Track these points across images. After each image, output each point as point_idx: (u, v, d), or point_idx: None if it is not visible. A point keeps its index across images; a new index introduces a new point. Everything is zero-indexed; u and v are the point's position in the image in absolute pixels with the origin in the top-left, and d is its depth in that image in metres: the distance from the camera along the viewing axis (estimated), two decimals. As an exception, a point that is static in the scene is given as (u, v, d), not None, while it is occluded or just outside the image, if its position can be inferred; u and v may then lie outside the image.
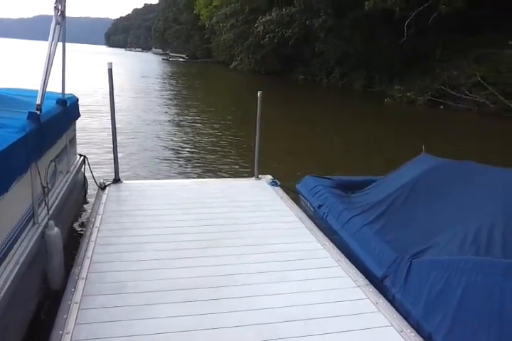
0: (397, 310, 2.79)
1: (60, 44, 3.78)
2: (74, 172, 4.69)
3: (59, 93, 4.37)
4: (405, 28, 22.17)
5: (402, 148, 9.61)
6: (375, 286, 3.05)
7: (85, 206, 5.34)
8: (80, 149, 5.56)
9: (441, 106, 20.60)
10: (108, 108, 4.97)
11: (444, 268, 2.71)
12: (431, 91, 21.61)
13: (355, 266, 3.32)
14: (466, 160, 4.06)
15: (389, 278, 3.07)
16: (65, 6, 3.75)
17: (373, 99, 23.97)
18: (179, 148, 9.54)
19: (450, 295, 2.58)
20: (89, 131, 9.73)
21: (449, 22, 21.83)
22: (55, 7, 3.61)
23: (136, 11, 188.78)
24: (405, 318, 2.71)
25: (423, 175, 3.90)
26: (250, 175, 5.81)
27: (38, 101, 3.19)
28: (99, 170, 6.27)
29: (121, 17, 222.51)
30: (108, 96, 4.88)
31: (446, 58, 23.18)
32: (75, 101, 4.91)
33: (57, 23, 3.57)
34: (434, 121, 17.70)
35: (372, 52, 27.47)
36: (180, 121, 13.34)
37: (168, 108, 16.23)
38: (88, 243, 3.48)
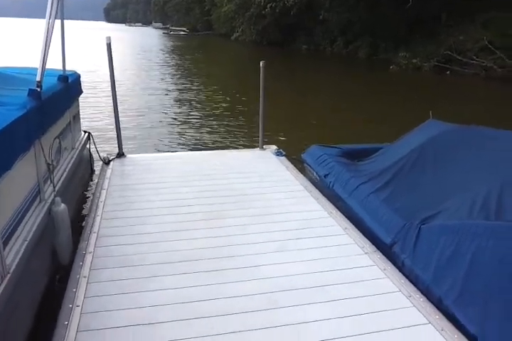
0: (405, 275, 2.80)
1: (58, 20, 3.72)
2: (79, 148, 4.68)
3: (60, 70, 4.31)
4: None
5: (409, 115, 9.44)
6: (384, 253, 3.05)
7: (92, 182, 5.35)
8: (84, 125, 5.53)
9: (448, 72, 20.24)
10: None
11: (454, 232, 2.68)
12: (437, 57, 21.20)
13: (363, 234, 3.32)
14: (474, 124, 3.98)
15: (398, 244, 3.06)
16: None
17: (378, 67, 23.56)
18: (182, 121, 9.49)
19: (460, 260, 2.56)
20: (94, 107, 9.68)
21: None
22: None
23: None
24: (414, 284, 2.72)
25: (431, 140, 3.83)
26: (255, 147, 5.77)
27: (38, 78, 3.16)
28: (107, 144, 6.25)
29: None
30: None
31: (452, 23, 22.62)
32: (76, 78, 4.85)
33: None
34: (440, 86, 17.42)
35: (377, 19, 26.83)
36: (183, 94, 13.25)
37: (171, 81, 16.08)
38: (94, 218, 3.51)
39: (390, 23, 26.09)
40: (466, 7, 21.95)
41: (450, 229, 2.73)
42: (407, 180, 3.62)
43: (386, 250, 3.09)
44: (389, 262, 2.95)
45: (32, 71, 3.46)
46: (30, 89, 3.02)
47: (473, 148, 3.59)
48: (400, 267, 2.90)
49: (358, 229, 3.39)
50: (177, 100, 12.23)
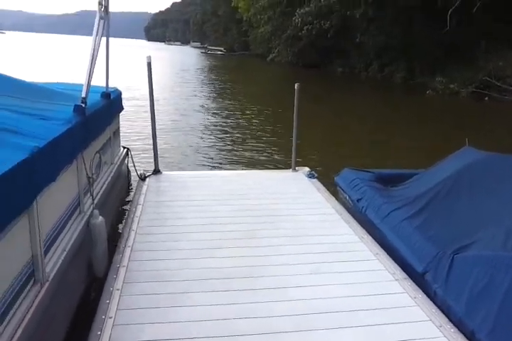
0: (437, 305, 2.75)
1: (103, 38, 3.87)
2: (118, 163, 4.82)
3: (103, 86, 4.46)
4: (448, 18, 21.44)
5: (445, 141, 9.35)
6: (415, 281, 3.01)
7: (129, 196, 5.48)
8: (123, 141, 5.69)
9: (486, 98, 19.90)
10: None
11: (488, 264, 2.64)
12: (475, 82, 20.89)
13: (394, 260, 3.28)
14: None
15: (430, 273, 3.01)
16: (108, 1, 3.84)
17: (414, 92, 23.37)
18: (218, 139, 9.63)
19: (494, 292, 2.51)
20: (133, 123, 9.95)
21: (494, 11, 20.99)
22: (99, 2, 3.70)
23: (174, 4, 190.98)
24: (446, 314, 2.67)
25: (466, 168, 3.79)
26: (288, 166, 5.81)
27: (83, 95, 3.28)
28: (144, 160, 6.39)
29: (160, 11, 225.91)
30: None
31: (491, 49, 22.33)
32: (118, 95, 5.02)
33: (101, 18, 3.66)
34: (478, 113, 17.10)
35: (413, 43, 26.78)
36: (220, 113, 13.45)
37: (208, 101, 16.35)
38: (129, 232, 3.59)
39: (427, 48, 25.97)
40: (505, 33, 21.67)
41: (484, 261, 2.68)
42: (441, 208, 3.58)
43: (418, 278, 3.04)
44: (419, 290, 2.90)
45: (77, 87, 3.60)
46: (75, 105, 3.15)
47: (510, 178, 3.53)
48: (432, 296, 2.85)
49: (389, 256, 3.36)
50: (214, 119, 12.42)
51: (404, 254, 3.33)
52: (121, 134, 5.51)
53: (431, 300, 2.81)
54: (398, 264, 3.23)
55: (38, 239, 2.31)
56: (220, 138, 9.83)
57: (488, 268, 2.62)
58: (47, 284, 2.36)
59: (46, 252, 2.50)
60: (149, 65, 4.83)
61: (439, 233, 3.32)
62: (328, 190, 4.91)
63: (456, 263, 2.87)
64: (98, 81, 4.27)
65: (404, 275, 3.08)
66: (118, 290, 2.76)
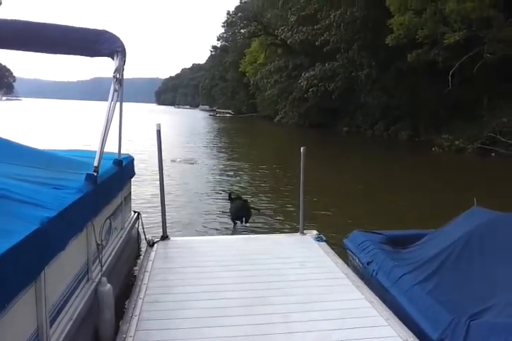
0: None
1: (117, 107, 4.00)
2: (128, 228, 4.85)
3: (115, 153, 4.55)
4: (450, 78, 22.21)
5: (453, 201, 9.31)
6: None
7: (138, 262, 5.44)
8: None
9: (493, 154, 20.06)
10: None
11: (506, 331, 2.56)
12: (480, 139, 21.19)
13: (407, 326, 3.17)
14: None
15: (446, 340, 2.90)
16: (122, 75, 4.06)
17: (420, 149, 23.70)
18: (226, 204, 9.64)
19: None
20: (143, 188, 10.04)
21: (495, 70, 21.75)
22: (113, 76, 3.91)
23: (184, 70, 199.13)
24: None
25: (476, 229, 3.75)
26: (296, 230, 5.78)
27: (96, 164, 3.33)
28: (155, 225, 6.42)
29: (170, 76, 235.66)
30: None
31: (495, 105, 22.86)
32: (130, 161, 5.12)
33: (115, 90, 3.84)
34: (485, 169, 17.16)
35: (417, 103, 27.58)
36: (229, 176, 13.54)
37: (217, 164, 16.46)
38: (136, 300, 3.53)
39: (430, 106, 26.69)
40: (507, 89, 22.26)
41: (501, 328, 2.60)
42: (454, 271, 3.51)
43: (433, 346, 2.93)
44: None
45: (90, 154, 3.69)
46: (87, 174, 3.19)
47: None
48: (449, 366, 2.73)
49: (402, 321, 3.25)
50: (221, 182, 12.48)
51: (417, 320, 3.22)
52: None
53: None
54: (412, 331, 3.12)
55: (43, 310, 2.29)
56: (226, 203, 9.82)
57: (507, 336, 2.53)
58: None
59: (52, 322, 2.47)
60: (159, 132, 4.99)
61: (453, 298, 3.23)
62: (337, 253, 4.86)
63: (472, 331, 2.77)
64: (111, 147, 4.38)
65: None
66: None
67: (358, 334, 3.06)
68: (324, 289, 3.84)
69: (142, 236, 5.54)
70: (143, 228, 5.30)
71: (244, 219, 6.89)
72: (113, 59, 4.10)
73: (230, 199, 7.33)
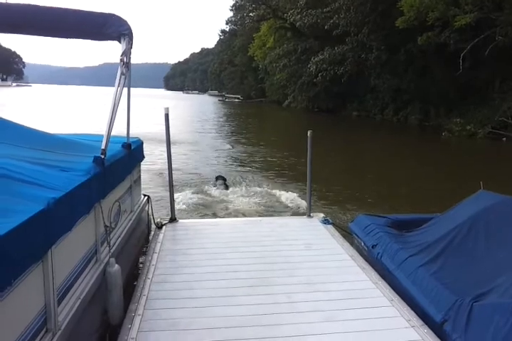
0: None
1: (124, 90, 4.01)
2: (137, 211, 4.90)
3: (124, 137, 4.56)
4: (461, 61, 21.87)
5: (461, 184, 9.28)
6: (433, 330, 2.92)
7: (148, 244, 5.52)
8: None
9: (504, 139, 19.84)
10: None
11: (508, 312, 2.57)
12: (491, 123, 20.96)
13: (411, 308, 3.22)
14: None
15: (449, 322, 2.93)
16: (130, 58, 4.06)
17: (430, 134, 23.50)
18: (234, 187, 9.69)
19: (516, 341, 2.43)
20: (152, 172, 10.12)
21: (507, 53, 21.36)
22: (120, 59, 3.91)
23: (193, 55, 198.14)
24: None
25: (481, 213, 3.75)
26: (303, 213, 5.82)
27: (103, 146, 3.37)
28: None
29: (179, 61, 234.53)
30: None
31: (506, 89, 22.53)
32: (139, 145, 5.12)
33: (122, 74, 3.85)
34: (495, 154, 17.02)
35: (427, 86, 27.20)
36: (235, 164, 13.55)
37: (224, 150, 16.53)
38: (145, 280, 3.61)
39: (440, 90, 26.33)
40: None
41: (504, 308, 2.62)
42: (458, 254, 3.53)
43: (436, 327, 2.96)
44: (436, 337, 2.83)
45: (98, 138, 3.71)
46: (95, 156, 3.23)
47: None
48: (452, 346, 2.77)
49: (406, 303, 3.29)
50: (232, 166, 12.54)
51: (420, 302, 3.25)
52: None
53: None
54: (415, 312, 3.16)
55: (51, 288, 2.35)
56: (236, 183, 9.89)
57: (509, 316, 2.54)
58: (59, 333, 2.38)
59: (60, 301, 2.53)
60: (167, 116, 5.01)
61: (457, 280, 3.26)
62: (342, 235, 4.89)
63: (475, 312, 2.80)
64: (121, 130, 4.41)
65: (421, 322, 3.02)
66: (133, 339, 2.76)
67: (361, 315, 3.11)
68: (329, 270, 3.89)
69: (152, 220, 5.61)
70: (152, 211, 5.36)
71: (222, 181, 9.35)
72: (120, 42, 4.09)
73: (216, 178, 9.66)
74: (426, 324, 3.00)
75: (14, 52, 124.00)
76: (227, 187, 9.07)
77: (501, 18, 19.76)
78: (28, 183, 2.42)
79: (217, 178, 9.61)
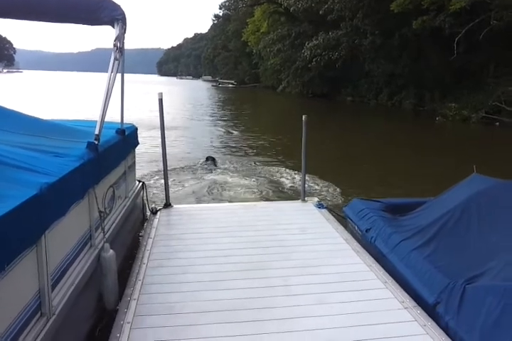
0: (450, 337, 2.70)
1: (118, 76, 3.98)
2: (132, 197, 4.89)
3: (118, 123, 4.55)
4: (455, 45, 21.76)
5: (454, 168, 9.33)
6: (426, 312, 2.97)
7: (144, 230, 5.53)
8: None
9: (497, 123, 19.89)
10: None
11: (500, 294, 2.60)
12: (485, 107, 20.98)
13: (404, 291, 3.26)
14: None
15: (441, 304, 2.97)
16: (123, 43, 4.01)
17: (424, 119, 23.51)
18: (229, 171, 9.71)
19: (507, 323, 2.47)
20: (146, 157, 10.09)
21: (502, 37, 21.28)
22: (114, 44, 3.86)
23: (186, 40, 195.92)
24: None
25: (474, 196, 3.77)
26: (297, 197, 5.84)
27: (97, 132, 3.35)
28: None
29: (172, 47, 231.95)
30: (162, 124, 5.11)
31: (500, 73, 22.50)
32: (134, 131, 5.10)
33: (115, 59, 3.80)
34: (488, 139, 17.09)
35: (421, 71, 27.11)
36: (230, 149, 13.53)
37: (217, 136, 16.46)
38: (140, 265, 3.64)
39: (435, 74, 26.25)
40: (512, 58, 21.91)
41: (496, 290, 2.65)
42: (451, 237, 3.56)
43: (429, 309, 3.00)
44: (430, 318, 2.88)
45: (92, 124, 3.68)
46: (88, 142, 3.22)
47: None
48: (444, 328, 2.81)
49: (399, 286, 3.34)
50: (225, 153, 12.51)
51: (414, 285, 3.29)
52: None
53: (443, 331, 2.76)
54: (408, 294, 3.20)
55: (45, 273, 2.36)
56: (230, 170, 9.90)
57: (501, 298, 2.58)
58: (53, 317, 2.40)
59: (54, 285, 2.54)
60: (161, 101, 4.97)
61: (450, 263, 3.29)
62: (337, 220, 4.92)
63: (467, 294, 2.83)
64: (115, 117, 4.38)
65: (414, 303, 3.07)
66: (129, 323, 2.78)
67: (355, 297, 3.15)
68: (323, 254, 3.93)
69: (147, 206, 5.61)
70: (146, 197, 5.36)
71: (211, 161, 10.22)
72: (113, 27, 4.03)
73: (207, 158, 10.47)
74: (419, 306, 3.04)
75: (4, 38, 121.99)
76: (215, 165, 10.04)
77: (496, 2, 19.58)
78: (21, 169, 2.40)
79: (207, 158, 10.45)
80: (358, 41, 31.26)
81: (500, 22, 19.69)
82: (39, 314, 2.33)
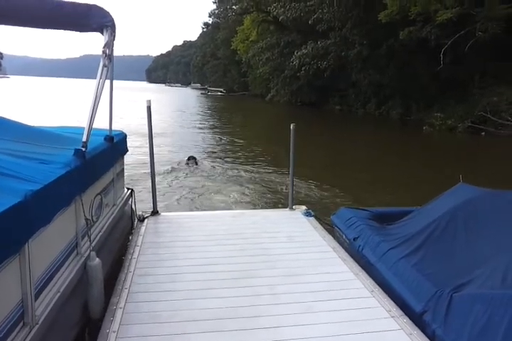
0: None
1: (107, 83, 3.97)
2: (120, 205, 4.84)
3: (107, 130, 4.51)
4: (441, 56, 22.09)
5: (441, 178, 9.42)
6: (413, 321, 2.97)
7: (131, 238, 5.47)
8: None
9: (483, 133, 20.17)
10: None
11: (487, 302, 2.61)
12: (471, 117, 21.27)
13: (391, 299, 3.26)
14: (508, 189, 3.95)
15: (429, 312, 2.98)
16: (112, 50, 4.00)
17: (411, 128, 23.76)
18: (215, 181, 9.68)
19: (494, 331, 2.47)
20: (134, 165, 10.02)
21: (487, 48, 21.66)
22: (103, 51, 3.85)
23: (175, 47, 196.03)
24: None
25: (461, 205, 3.81)
26: (285, 206, 5.84)
27: (84, 139, 3.33)
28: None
29: (161, 54, 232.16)
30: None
31: (485, 84, 22.86)
32: (123, 138, 5.04)
33: (104, 65, 3.79)
34: (475, 148, 17.31)
35: (408, 81, 27.42)
36: (217, 157, 13.50)
37: (208, 145, 16.35)
38: (126, 273, 3.59)
39: (422, 84, 26.58)
40: (498, 68, 22.28)
41: (483, 299, 2.66)
42: (438, 246, 3.58)
43: (416, 318, 3.01)
44: (416, 327, 2.88)
45: (80, 131, 3.64)
46: (75, 149, 3.19)
47: (506, 213, 3.54)
48: (431, 336, 2.81)
49: (387, 294, 3.34)
50: (214, 160, 12.47)
51: (401, 293, 3.30)
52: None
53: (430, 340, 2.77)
54: (395, 303, 3.20)
55: (28, 281, 2.32)
56: (218, 178, 9.88)
57: (488, 306, 2.59)
58: (36, 327, 2.35)
59: (38, 294, 2.49)
60: (149, 108, 4.95)
61: (437, 271, 3.31)
62: (325, 228, 4.92)
63: (454, 302, 2.85)
64: (103, 124, 4.35)
65: (401, 312, 3.06)
66: (114, 332, 2.73)
67: (342, 305, 3.14)
68: (311, 262, 3.92)
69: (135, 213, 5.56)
70: (134, 204, 5.31)
71: (193, 160, 11.07)
72: (102, 34, 4.02)
73: (188, 158, 11.26)
74: (406, 315, 3.04)
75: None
76: (197, 164, 10.98)
77: (482, 14, 19.99)
78: (6, 176, 2.37)
79: (189, 158, 11.25)
80: (345, 52, 31.58)
81: (486, 33, 20.06)
82: (21, 323, 2.29)
